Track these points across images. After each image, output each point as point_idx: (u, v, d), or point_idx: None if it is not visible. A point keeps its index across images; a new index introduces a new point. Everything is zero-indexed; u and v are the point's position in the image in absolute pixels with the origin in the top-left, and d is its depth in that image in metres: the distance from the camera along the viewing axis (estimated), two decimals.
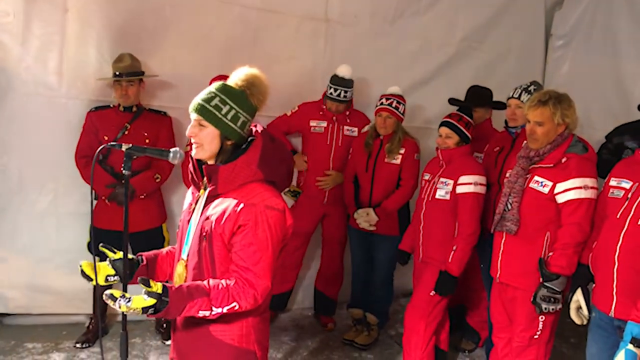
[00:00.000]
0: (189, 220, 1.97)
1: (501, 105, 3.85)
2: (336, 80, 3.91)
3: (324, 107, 4.02)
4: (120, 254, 1.97)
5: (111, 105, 3.63)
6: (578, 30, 4.64)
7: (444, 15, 4.50)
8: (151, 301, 1.68)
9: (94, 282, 1.95)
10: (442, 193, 3.25)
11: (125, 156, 1.87)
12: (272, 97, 4.03)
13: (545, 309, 2.67)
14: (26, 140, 3.64)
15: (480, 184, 3.22)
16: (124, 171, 1.87)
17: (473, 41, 4.59)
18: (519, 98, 3.42)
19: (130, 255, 1.98)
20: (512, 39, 4.70)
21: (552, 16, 4.82)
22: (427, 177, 3.43)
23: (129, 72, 3.52)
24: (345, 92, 3.92)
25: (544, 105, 2.73)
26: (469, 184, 3.19)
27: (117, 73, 3.52)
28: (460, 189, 3.21)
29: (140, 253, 2.06)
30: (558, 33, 4.79)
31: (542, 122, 2.74)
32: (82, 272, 1.95)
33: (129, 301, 1.67)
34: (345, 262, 4.27)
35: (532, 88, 3.42)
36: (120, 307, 1.68)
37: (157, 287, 1.70)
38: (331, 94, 3.92)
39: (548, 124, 2.74)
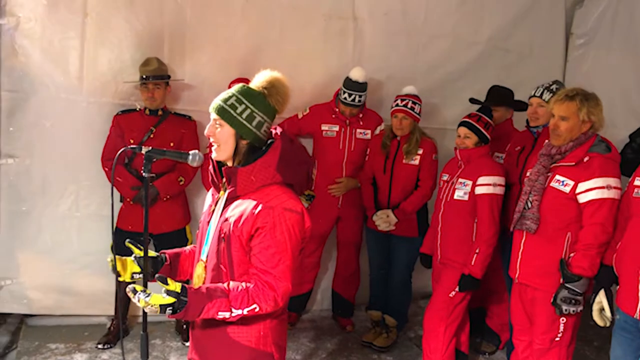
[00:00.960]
0: (208, 222, 1.99)
1: (522, 105, 3.82)
2: (350, 85, 3.83)
3: (337, 109, 3.97)
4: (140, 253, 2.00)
5: (137, 109, 3.68)
6: (599, 29, 4.57)
7: (473, 13, 4.44)
8: (170, 299, 1.70)
9: (122, 278, 1.97)
10: (460, 194, 3.23)
11: (145, 159, 1.91)
12: (299, 98, 4.07)
13: (566, 310, 2.63)
14: (49, 143, 3.70)
15: (500, 185, 3.20)
16: (143, 173, 1.90)
17: (498, 41, 4.55)
18: (540, 97, 3.39)
19: (154, 253, 2.01)
20: (532, 38, 4.64)
21: (573, 15, 4.75)
22: (445, 177, 3.41)
23: (155, 75, 3.57)
24: (360, 96, 3.85)
25: (571, 100, 2.70)
26: (488, 184, 3.17)
27: (144, 76, 3.57)
28: (479, 190, 3.19)
29: (163, 251, 2.08)
30: (579, 31, 4.71)
31: (567, 117, 2.71)
32: (114, 267, 1.98)
33: (148, 296, 1.70)
34: (361, 263, 4.25)
35: (554, 87, 3.38)
36: (139, 301, 1.71)
37: (175, 286, 1.72)
38: (345, 99, 3.85)
39: (573, 120, 2.70)
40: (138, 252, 2.00)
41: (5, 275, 3.72)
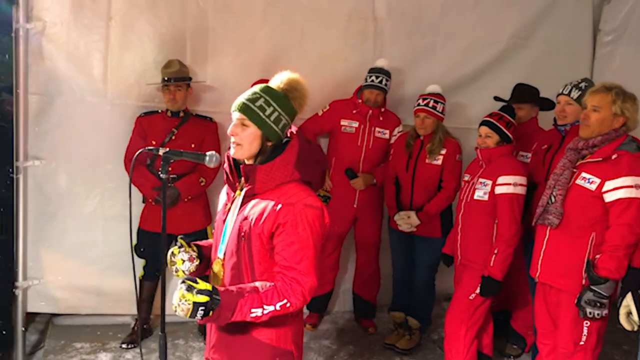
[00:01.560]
0: (224, 220, 1.99)
1: (548, 103, 3.75)
2: (376, 70, 3.88)
3: (359, 101, 3.95)
4: (194, 249, 2.02)
5: (159, 111, 3.72)
6: (628, 25, 4.45)
7: (492, 11, 4.40)
8: (204, 298, 1.69)
9: (179, 274, 1.98)
10: (480, 194, 3.19)
11: (162, 160, 1.94)
12: (320, 99, 3.99)
13: (590, 313, 2.56)
14: (74, 145, 3.76)
15: (520, 185, 3.14)
16: (161, 175, 1.94)
17: (520, 38, 4.48)
18: (568, 94, 3.32)
19: (193, 252, 2.00)
20: (558, 35, 4.55)
21: (601, 11, 4.65)
22: (466, 178, 3.38)
23: (177, 77, 3.60)
24: (387, 80, 3.87)
25: (607, 91, 2.65)
26: (508, 184, 3.12)
27: (166, 78, 3.60)
28: (499, 190, 3.14)
29: (196, 242, 2.08)
30: (607, 28, 4.60)
31: (599, 108, 2.65)
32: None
33: (188, 290, 1.68)
34: (382, 264, 4.22)
35: (583, 84, 3.31)
36: (178, 290, 1.69)
37: (206, 285, 1.72)
38: (373, 81, 3.85)
39: (605, 111, 2.64)
40: (188, 250, 2.00)
41: (33, 275, 3.78)
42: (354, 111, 3.97)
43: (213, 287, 1.73)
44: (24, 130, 3.59)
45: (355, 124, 3.98)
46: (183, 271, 1.96)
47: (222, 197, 2.07)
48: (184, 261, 1.96)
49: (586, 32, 4.63)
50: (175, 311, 1.70)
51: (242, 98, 1.90)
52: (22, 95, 3.54)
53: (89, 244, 3.89)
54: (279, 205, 1.81)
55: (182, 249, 1.98)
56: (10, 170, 3.58)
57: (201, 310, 1.68)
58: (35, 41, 3.57)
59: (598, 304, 2.56)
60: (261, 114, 1.86)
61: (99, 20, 3.68)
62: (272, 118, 1.86)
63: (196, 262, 1.99)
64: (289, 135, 1.95)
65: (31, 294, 3.80)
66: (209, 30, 3.91)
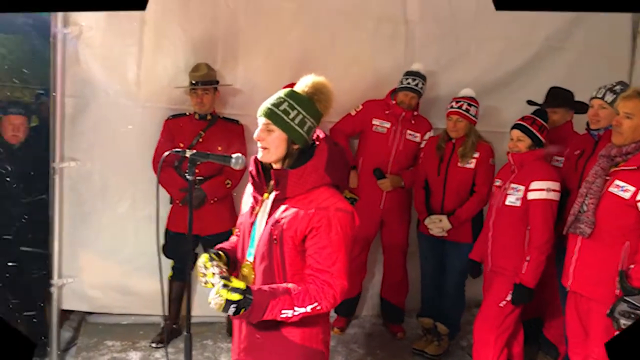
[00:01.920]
0: (252, 223, 2.01)
1: (582, 107, 3.66)
2: (412, 73, 3.88)
3: (393, 102, 3.93)
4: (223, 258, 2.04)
5: (187, 114, 3.77)
6: None
7: (527, 13, 4.30)
8: (237, 296, 1.73)
9: (208, 285, 1.98)
10: (512, 199, 3.13)
11: (189, 162, 1.98)
12: (350, 101, 3.97)
13: (624, 325, 2.48)
14: (108, 147, 3.84)
15: (554, 190, 3.07)
16: (187, 176, 1.97)
17: (556, 40, 4.39)
18: (602, 98, 3.22)
19: (224, 265, 2.00)
20: (595, 37, 4.44)
21: None
22: (498, 183, 3.32)
23: (204, 81, 3.65)
24: (422, 83, 3.87)
25: (639, 97, 2.56)
26: (542, 190, 3.05)
27: (194, 82, 3.65)
28: (531, 195, 3.07)
29: (220, 246, 2.12)
30: None
31: (632, 115, 2.58)
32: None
33: (223, 287, 1.73)
34: (410, 269, 4.18)
35: (618, 88, 3.21)
36: (216, 285, 1.75)
37: (240, 284, 1.76)
38: (409, 83, 3.85)
39: (638, 118, 2.57)
40: (216, 259, 2.00)
41: (68, 273, 3.86)
42: (387, 112, 3.97)
43: (247, 287, 1.76)
44: (60, 132, 3.67)
45: (387, 125, 3.97)
46: (213, 284, 1.97)
47: (247, 200, 2.10)
48: (214, 274, 1.97)
49: (625, 35, 4.51)
50: (210, 304, 1.75)
51: (266, 103, 1.94)
52: (58, 98, 3.63)
53: (121, 244, 3.96)
54: (312, 209, 1.84)
55: (213, 262, 1.98)
56: (48, 171, 3.66)
57: (233, 307, 1.73)
58: (71, 45, 3.65)
59: (632, 316, 2.48)
60: (285, 117, 1.89)
61: (133, 24, 3.74)
62: (297, 121, 1.89)
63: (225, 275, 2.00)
64: (316, 139, 1.96)
65: (66, 292, 3.88)
66: (240, 33, 3.94)
